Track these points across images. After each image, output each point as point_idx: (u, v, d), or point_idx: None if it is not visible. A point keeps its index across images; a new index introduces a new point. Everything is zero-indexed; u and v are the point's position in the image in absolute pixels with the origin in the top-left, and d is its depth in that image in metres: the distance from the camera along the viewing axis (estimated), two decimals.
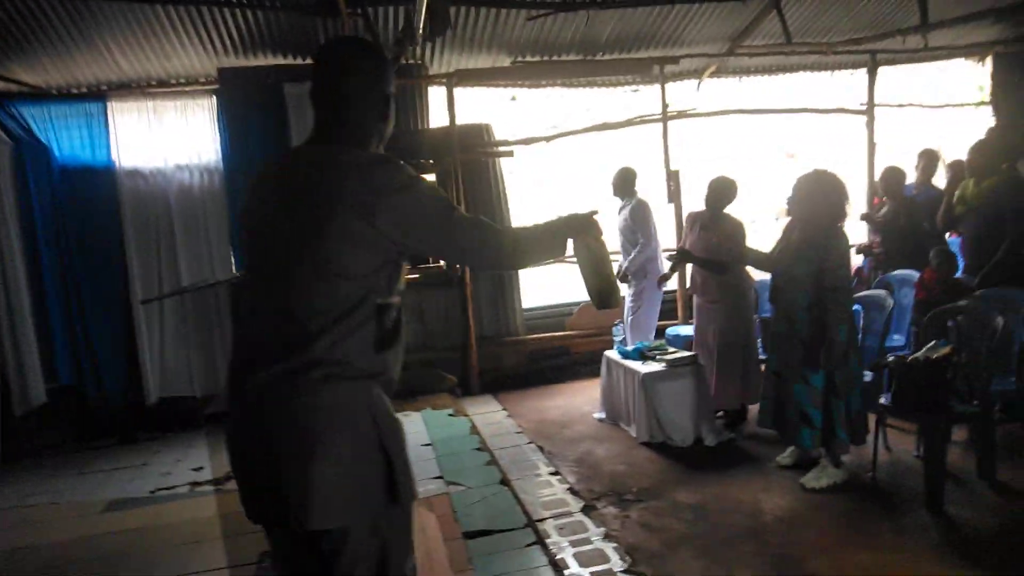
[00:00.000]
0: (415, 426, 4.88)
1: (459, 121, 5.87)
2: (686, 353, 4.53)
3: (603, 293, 1.82)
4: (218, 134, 5.42)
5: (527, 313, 6.41)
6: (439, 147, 5.83)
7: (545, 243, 1.70)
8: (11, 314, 5.08)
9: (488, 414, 5.35)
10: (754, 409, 4.58)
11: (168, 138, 5.50)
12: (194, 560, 3.13)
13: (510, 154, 6.09)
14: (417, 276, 5.93)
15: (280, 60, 5.54)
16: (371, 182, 1.49)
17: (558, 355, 6.37)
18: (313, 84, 1.62)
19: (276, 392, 1.48)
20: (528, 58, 5.98)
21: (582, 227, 1.75)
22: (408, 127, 5.86)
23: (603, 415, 4.97)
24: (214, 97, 5.45)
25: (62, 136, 5.38)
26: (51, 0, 4.56)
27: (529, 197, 6.56)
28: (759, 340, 4.69)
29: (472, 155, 5.95)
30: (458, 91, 5.83)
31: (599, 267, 1.82)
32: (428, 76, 5.90)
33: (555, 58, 6.05)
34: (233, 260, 5.57)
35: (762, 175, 6.89)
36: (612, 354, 4.92)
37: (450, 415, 5.15)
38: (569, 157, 6.65)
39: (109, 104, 5.40)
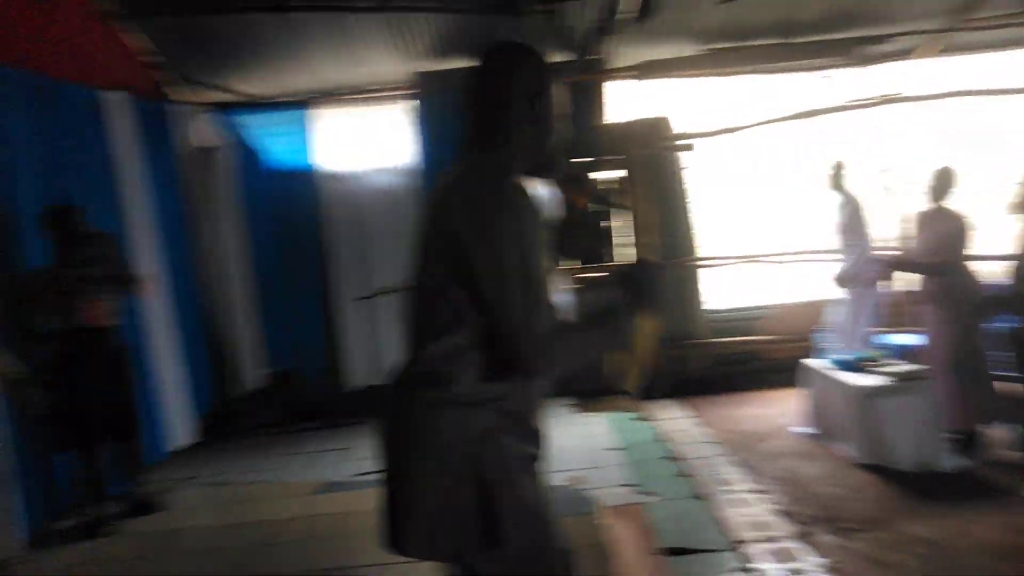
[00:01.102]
0: (598, 429, 4.78)
1: (638, 115, 5.66)
2: (911, 366, 4.04)
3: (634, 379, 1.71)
4: (416, 137, 5.60)
5: (712, 315, 6.08)
6: (617, 143, 5.67)
7: (594, 346, 1.54)
8: (232, 306, 5.61)
9: (674, 420, 5.12)
10: (991, 431, 4.03)
11: (367, 143, 5.79)
12: None
13: (691, 148, 5.80)
14: (590, 276, 5.82)
15: (474, 62, 5.63)
16: (467, 204, 1.44)
17: (746, 360, 5.99)
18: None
19: (390, 404, 1.52)
20: (718, 44, 5.64)
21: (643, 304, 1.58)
22: (586, 123, 5.75)
23: (805, 429, 4.57)
24: (411, 101, 5.64)
25: (271, 142, 5.84)
26: (264, 19, 4.96)
27: (713, 192, 6.19)
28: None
29: (653, 149, 5.72)
30: (636, 84, 5.62)
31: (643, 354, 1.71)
32: (611, 70, 5.75)
33: (747, 44, 5.66)
34: None
35: (987, 163, 6.05)
36: (815, 363, 4.50)
37: (634, 419, 4.98)
38: (766, 149, 6.23)
39: (312, 111, 5.79)
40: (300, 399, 5.95)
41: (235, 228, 5.66)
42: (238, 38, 5.12)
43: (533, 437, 1.57)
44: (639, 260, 1.60)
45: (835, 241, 4.87)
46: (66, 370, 3.51)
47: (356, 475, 4.46)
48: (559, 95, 1.59)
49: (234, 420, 5.75)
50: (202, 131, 5.59)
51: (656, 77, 5.74)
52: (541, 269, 1.43)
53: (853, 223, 4.76)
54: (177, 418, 4.85)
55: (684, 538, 3.16)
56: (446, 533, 1.45)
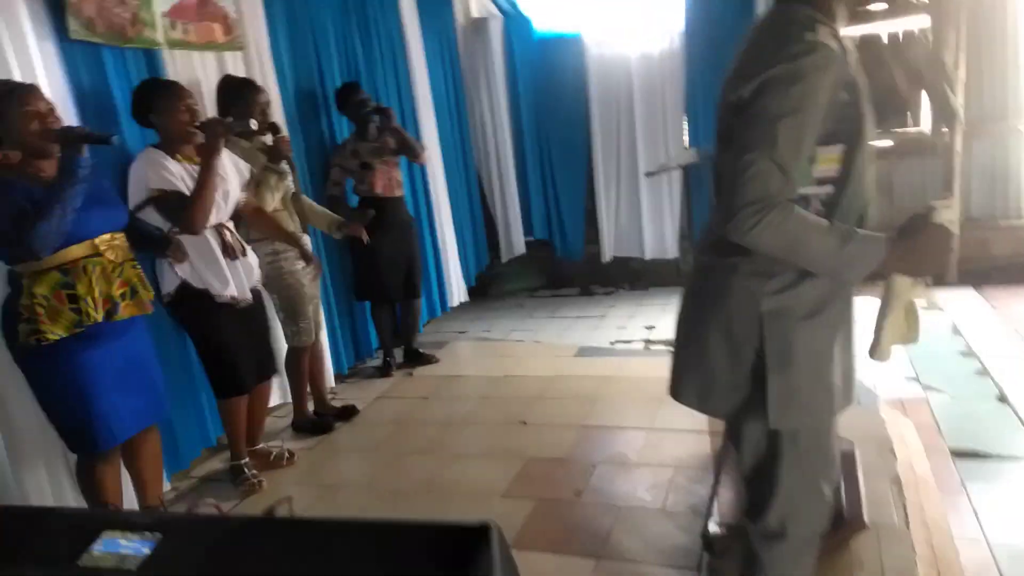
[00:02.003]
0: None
1: None
2: None
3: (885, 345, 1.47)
4: (687, 6, 5.21)
5: None
6: None
7: (832, 255, 1.33)
8: (501, 176, 5.92)
9: (972, 312, 4.50)
10: None
11: (633, 7, 5.51)
12: (658, 418, 3.34)
13: None
14: (888, 143, 5.11)
15: None
16: (764, 60, 1.31)
17: None
18: None
19: (695, 265, 1.60)
20: None
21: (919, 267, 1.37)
22: None
23: None
24: None
25: (539, 8, 5.80)
26: None
27: None
28: None
29: None
30: None
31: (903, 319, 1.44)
32: None
33: None
34: (686, 130, 5.51)
35: None
36: None
37: (923, 308, 4.46)
38: None
39: None
40: (558, 267, 6.22)
41: (504, 99, 5.84)
42: None
43: (834, 310, 1.48)
44: (919, 219, 1.34)
45: None
46: (368, 233, 3.88)
47: (613, 343, 4.63)
48: None
49: (499, 283, 6.22)
50: (477, 2, 5.73)
51: None
52: (806, 138, 1.31)
53: None
54: (453, 279, 5.36)
55: (982, 443, 2.84)
56: (721, 394, 1.54)
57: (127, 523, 1.10)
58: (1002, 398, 3.22)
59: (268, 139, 3.26)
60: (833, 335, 1.49)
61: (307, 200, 3.62)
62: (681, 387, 1.63)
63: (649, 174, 5.29)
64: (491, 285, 6.20)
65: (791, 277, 1.42)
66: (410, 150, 4.16)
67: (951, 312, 4.40)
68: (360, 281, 4.23)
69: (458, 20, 5.62)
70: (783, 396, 1.45)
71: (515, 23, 5.79)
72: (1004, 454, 2.77)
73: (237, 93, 3.23)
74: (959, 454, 2.79)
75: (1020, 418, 3.03)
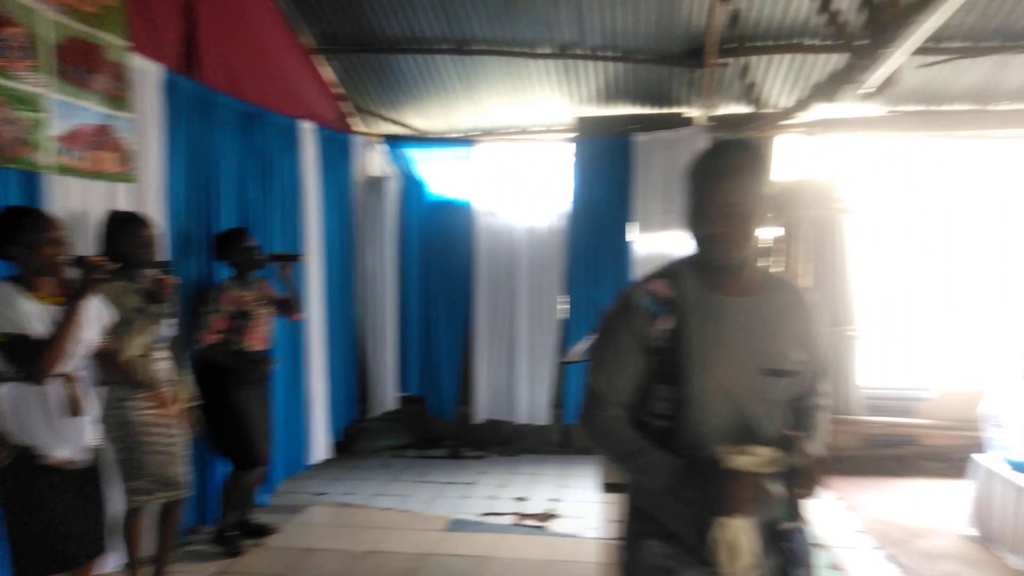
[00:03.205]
0: None
1: (810, 174, 5.43)
2: None
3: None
4: (572, 180, 5.65)
5: (867, 392, 5.69)
6: (785, 200, 5.45)
7: (627, 464, 1.55)
8: (380, 329, 5.84)
9: (820, 501, 4.79)
10: None
11: (523, 182, 5.91)
12: None
13: (860, 212, 5.49)
14: None
15: (635, 110, 5.65)
16: None
17: (902, 444, 5.54)
18: None
19: None
20: (905, 107, 5.35)
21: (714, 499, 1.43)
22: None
23: (972, 532, 4.15)
24: (569, 144, 5.71)
25: (435, 175, 6.06)
26: (448, 58, 5.18)
27: (879, 260, 5.82)
28: None
29: (822, 211, 5.45)
30: (811, 142, 5.40)
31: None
32: (784, 126, 5.56)
33: (940, 107, 5.33)
34: (563, 306, 5.77)
35: None
36: (990, 461, 4.09)
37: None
38: (938, 217, 5.79)
39: (476, 148, 5.96)
40: (428, 426, 6.07)
41: (392, 255, 5.90)
42: (418, 76, 5.38)
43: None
44: (706, 464, 1.44)
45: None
46: (226, 390, 3.60)
47: (484, 515, 4.47)
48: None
49: (366, 439, 5.94)
50: (375, 161, 5.92)
51: (831, 133, 5.49)
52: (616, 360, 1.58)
53: None
54: (318, 433, 5.06)
55: None
56: None
57: None
58: None
59: (150, 278, 3.06)
60: None
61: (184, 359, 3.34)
62: None
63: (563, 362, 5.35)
64: (357, 440, 5.90)
65: None
66: (292, 305, 4.02)
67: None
68: (230, 444, 3.78)
69: (356, 176, 5.74)
70: None
71: (410, 185, 5.99)
72: None
73: (121, 227, 3.04)
74: None
75: None
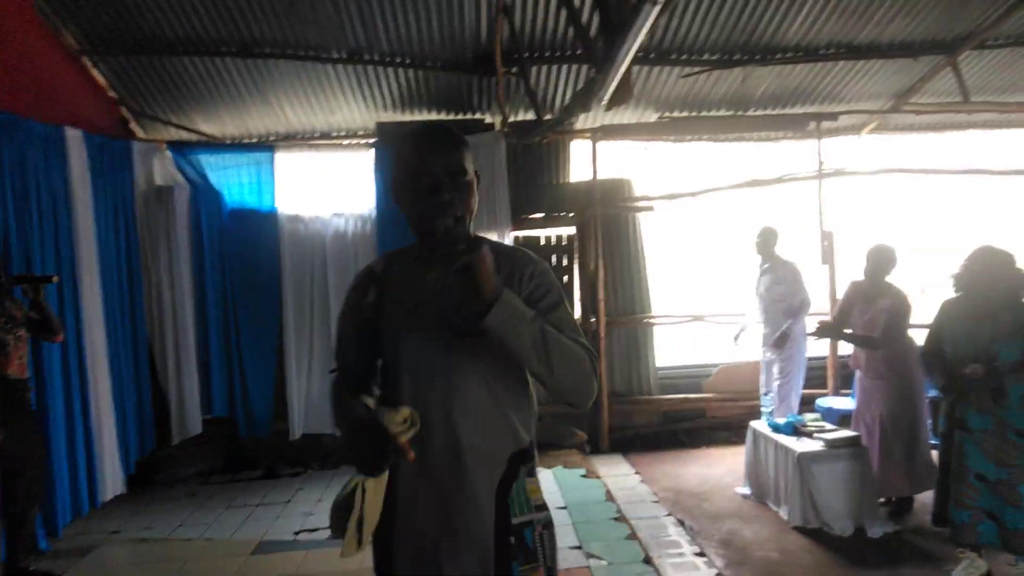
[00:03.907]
0: (547, 484, 4.78)
1: (600, 176, 5.83)
2: (847, 432, 4.19)
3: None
4: (373, 185, 5.63)
5: (661, 372, 6.21)
6: (580, 201, 5.82)
7: (337, 422, 1.58)
8: (177, 347, 5.44)
9: (620, 477, 5.17)
10: (920, 498, 4.20)
11: (327, 187, 5.80)
12: None
13: (651, 209, 5.99)
14: None
15: (434, 116, 5.75)
16: None
17: (693, 417, 6.12)
18: None
19: None
20: (676, 113, 5.90)
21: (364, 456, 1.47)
22: (549, 180, 5.90)
23: (747, 491, 4.68)
24: (371, 150, 5.69)
25: (232, 182, 5.74)
26: (235, 61, 4.97)
27: (667, 253, 6.37)
28: (929, 423, 4.29)
29: (613, 209, 5.89)
30: (601, 145, 5.81)
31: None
32: (571, 131, 5.93)
33: (704, 113, 5.93)
34: None
35: (933, 239, 6.42)
36: (759, 425, 4.64)
37: (583, 476, 5.01)
38: (716, 214, 6.46)
39: (276, 154, 5.76)
40: (241, 447, 5.78)
41: (187, 268, 5.53)
42: (204, 79, 5.11)
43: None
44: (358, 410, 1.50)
45: (761, 304, 5.08)
46: None
47: (296, 532, 4.35)
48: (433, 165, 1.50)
49: (168, 469, 5.54)
50: (162, 169, 5.50)
51: (614, 139, 5.94)
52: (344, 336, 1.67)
53: (791, 287, 4.97)
54: (107, 468, 4.61)
55: None
56: None
57: None
58: (647, 560, 3.68)
59: None
60: None
61: None
62: None
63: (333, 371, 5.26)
64: (158, 470, 5.48)
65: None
66: (50, 328, 3.66)
67: (605, 478, 5.00)
68: None
69: (139, 186, 5.30)
70: None
71: (204, 194, 5.65)
72: None
73: None
74: None
75: None
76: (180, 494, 5.22)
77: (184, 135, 5.68)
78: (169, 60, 4.95)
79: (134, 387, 5.09)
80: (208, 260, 5.62)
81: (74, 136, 4.47)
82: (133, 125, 5.51)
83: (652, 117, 5.92)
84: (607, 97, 4.09)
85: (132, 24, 4.62)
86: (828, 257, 5.82)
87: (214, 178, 5.70)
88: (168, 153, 5.54)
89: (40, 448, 3.68)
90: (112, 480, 4.65)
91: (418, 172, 1.50)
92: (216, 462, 5.71)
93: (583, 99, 4.60)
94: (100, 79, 5.07)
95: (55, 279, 3.73)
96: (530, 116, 5.75)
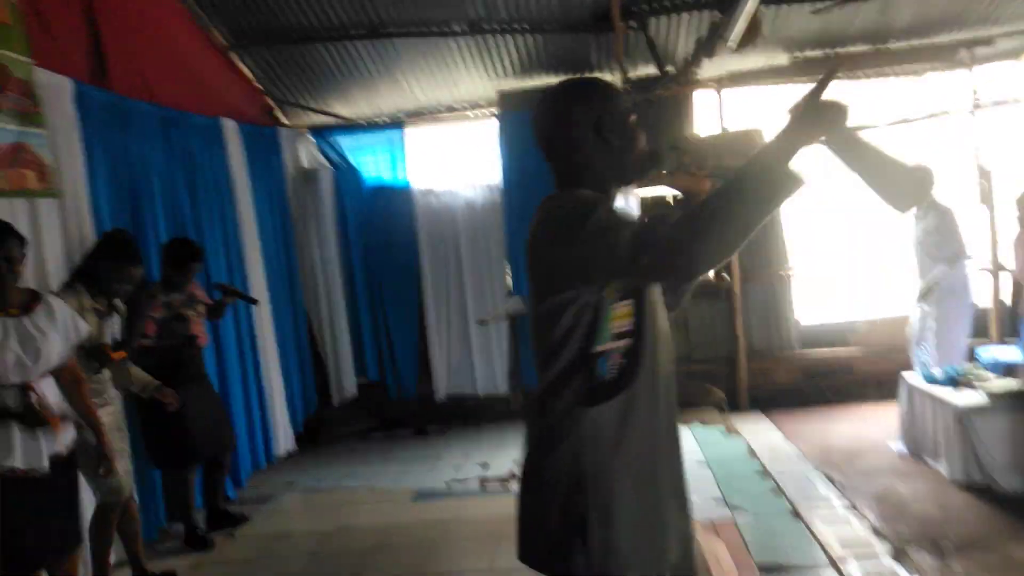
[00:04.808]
0: (686, 442, 4.78)
1: (728, 127, 5.63)
2: (1013, 383, 3.90)
3: (909, 183, 1.40)
4: (499, 154, 5.76)
5: (804, 328, 5.99)
6: (708, 155, 5.66)
7: (750, 188, 1.25)
8: (332, 319, 5.92)
9: (762, 434, 5.08)
10: None
11: (454, 159, 6.02)
12: (497, 559, 3.37)
13: None
14: None
15: (552, 79, 5.77)
16: (535, 223, 1.50)
17: (839, 373, 5.86)
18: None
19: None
20: (808, 53, 5.58)
21: (819, 121, 1.29)
22: (675, 135, 5.77)
23: (902, 447, 4.46)
24: (494, 119, 5.81)
25: (369, 161, 6.11)
26: (364, 43, 5.22)
27: (805, 203, 6.07)
28: None
29: (743, 160, 5.68)
30: (727, 94, 5.61)
31: (877, 158, 1.36)
32: (695, 82, 5.75)
33: (839, 50, 5.56)
34: (509, 274, 5.92)
35: None
36: (914, 378, 4.40)
37: (723, 433, 4.98)
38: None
39: (406, 131, 6.03)
40: (392, 408, 6.20)
41: (335, 245, 5.96)
42: (337, 63, 5.41)
43: (651, 481, 1.47)
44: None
45: (917, 253, 4.75)
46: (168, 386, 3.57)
47: (449, 482, 4.64)
48: (637, 110, 1.56)
49: (329, 428, 6.05)
50: (306, 153, 5.94)
51: (741, 86, 5.71)
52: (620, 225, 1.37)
53: (947, 235, 4.62)
54: (279, 428, 5.14)
55: (783, 556, 3.17)
56: (557, 552, 1.44)
57: None
58: (795, 513, 3.63)
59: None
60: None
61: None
62: (526, 548, 1.52)
63: (481, 322, 5.54)
64: (321, 431, 6.00)
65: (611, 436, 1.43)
66: (219, 313, 4.11)
67: (746, 435, 4.94)
68: (163, 446, 3.74)
69: (288, 170, 5.76)
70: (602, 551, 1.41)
71: (345, 173, 6.04)
72: (802, 564, 3.11)
73: (114, 254, 3.20)
74: (765, 569, 3.09)
75: (811, 531, 3.43)
76: (342, 450, 5.70)
77: (322, 119, 6.05)
78: (305, 48, 5.27)
79: (296, 355, 5.60)
80: (352, 236, 6.03)
81: (230, 126, 4.91)
82: (277, 113, 5.93)
83: (782, 60, 5.63)
84: (735, 39, 3.93)
85: (272, 17, 4.95)
86: (987, 198, 5.35)
87: (352, 158, 6.07)
88: (310, 137, 5.97)
89: (220, 406, 4.15)
90: (284, 438, 5.18)
91: (629, 107, 1.54)
92: (371, 422, 6.17)
93: (708, 45, 4.46)
94: (246, 71, 5.49)
95: (256, 303, 4.42)
96: (650, 71, 5.64)
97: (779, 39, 5.39)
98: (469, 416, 6.12)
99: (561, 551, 1.43)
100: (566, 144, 1.53)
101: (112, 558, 3.40)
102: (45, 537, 2.65)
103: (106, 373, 3.21)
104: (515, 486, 4.32)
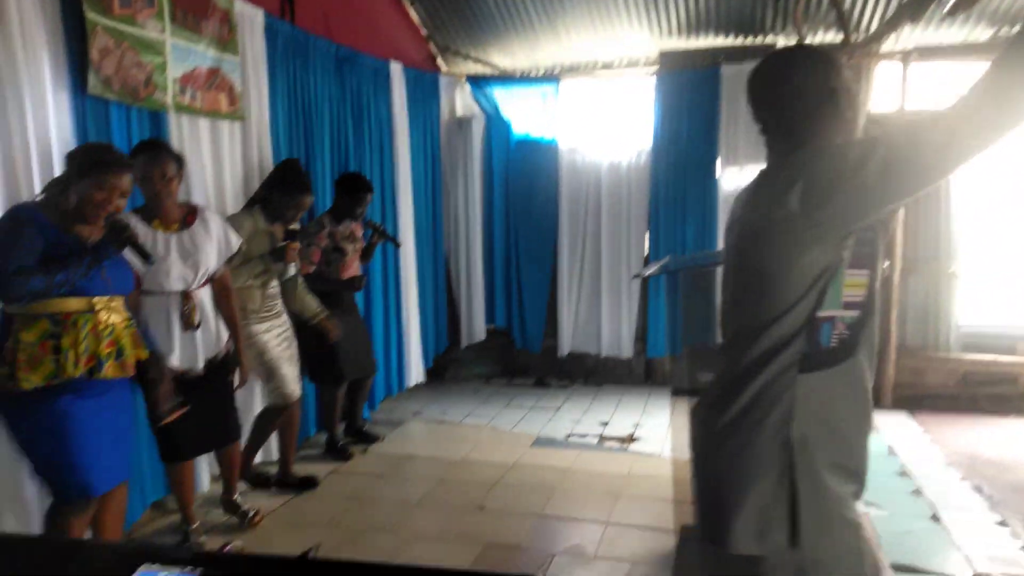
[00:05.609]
0: None
1: (909, 105, 5.18)
2: None
3: None
4: (653, 115, 5.63)
5: (964, 330, 5.51)
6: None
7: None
8: (468, 265, 6.09)
9: (906, 435, 4.77)
10: None
11: (606, 118, 5.93)
12: (615, 513, 3.40)
13: None
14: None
15: (720, 41, 5.54)
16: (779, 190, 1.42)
17: (1001, 383, 5.37)
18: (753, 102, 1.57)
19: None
20: (1016, 30, 5.00)
21: None
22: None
23: None
24: (653, 79, 5.67)
25: (519, 113, 6.15)
26: None
27: (982, 196, 5.52)
28: None
29: None
30: (913, 69, 5.13)
31: None
32: (878, 54, 5.32)
33: None
34: (647, 238, 5.82)
35: None
36: None
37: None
38: None
39: (560, 85, 6.01)
40: (516, 357, 6.34)
41: (479, 193, 6.10)
42: (501, 12, 5.46)
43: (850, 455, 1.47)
44: None
45: None
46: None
47: (568, 435, 4.71)
48: (859, 83, 1.54)
49: (456, 368, 6.28)
50: (461, 101, 6.08)
51: (932, 61, 5.22)
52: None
53: None
54: (412, 360, 5.41)
55: (918, 559, 2.99)
56: (776, 525, 1.43)
57: (164, 557, 1.11)
58: (935, 518, 3.41)
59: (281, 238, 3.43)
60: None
61: (301, 285, 3.69)
62: (730, 529, 1.45)
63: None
64: (448, 369, 6.25)
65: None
66: (370, 255, 4.32)
67: (887, 434, 4.65)
68: (317, 364, 4.06)
69: (443, 116, 5.93)
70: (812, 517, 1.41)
71: (495, 124, 6.13)
72: (938, 571, 2.93)
73: (287, 183, 3.42)
74: (898, 568, 2.92)
75: (951, 538, 3.21)
76: (467, 390, 5.92)
77: (480, 69, 6.15)
78: None
79: (433, 296, 5.84)
80: (496, 186, 6.14)
81: (396, 69, 5.09)
82: (439, 60, 6.09)
83: (983, 35, 5.09)
84: (948, 4, 3.58)
85: None
86: None
87: (504, 109, 6.14)
88: (467, 85, 6.09)
89: (367, 336, 4.43)
90: (415, 370, 5.46)
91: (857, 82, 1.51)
92: (495, 368, 6.35)
93: (914, 8, 4.06)
94: (415, 17, 5.65)
95: (400, 246, 4.64)
96: (829, 38, 5.28)
97: (983, 12, 4.88)
98: (589, 375, 6.16)
99: (768, 517, 1.42)
100: (798, 112, 1.47)
101: (258, 457, 3.76)
102: (203, 430, 2.93)
103: (277, 288, 3.48)
104: (632, 447, 4.36)
